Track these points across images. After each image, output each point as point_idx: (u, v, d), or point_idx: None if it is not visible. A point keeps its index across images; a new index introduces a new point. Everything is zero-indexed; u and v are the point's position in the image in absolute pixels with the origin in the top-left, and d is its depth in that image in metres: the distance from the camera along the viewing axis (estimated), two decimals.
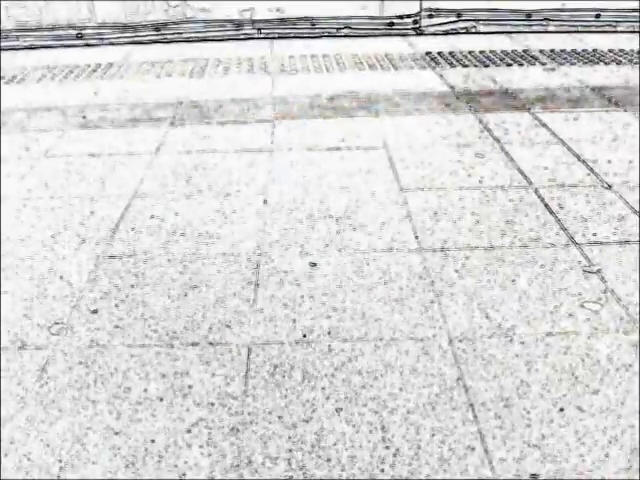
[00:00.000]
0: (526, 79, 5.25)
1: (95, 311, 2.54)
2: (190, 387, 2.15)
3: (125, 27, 6.83)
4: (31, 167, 3.85)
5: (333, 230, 3.07)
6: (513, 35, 6.71)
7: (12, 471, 1.85)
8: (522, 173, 3.59)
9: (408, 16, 6.88)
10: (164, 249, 2.96)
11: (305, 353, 2.29)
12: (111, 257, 2.91)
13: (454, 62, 5.80)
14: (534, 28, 6.81)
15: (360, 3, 6.76)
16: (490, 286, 2.63)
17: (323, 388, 2.12)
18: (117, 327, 2.44)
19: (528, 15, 6.77)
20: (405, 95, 4.96)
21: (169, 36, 6.87)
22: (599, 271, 2.70)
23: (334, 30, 6.88)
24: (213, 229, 3.12)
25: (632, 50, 6.01)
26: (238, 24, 6.89)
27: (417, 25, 6.91)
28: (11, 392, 2.14)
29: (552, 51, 6.08)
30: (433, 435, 1.93)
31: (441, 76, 5.40)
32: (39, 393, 2.13)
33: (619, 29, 6.73)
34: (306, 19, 6.84)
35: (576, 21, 6.76)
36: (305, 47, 6.48)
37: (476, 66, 5.65)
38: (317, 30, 6.88)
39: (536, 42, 6.42)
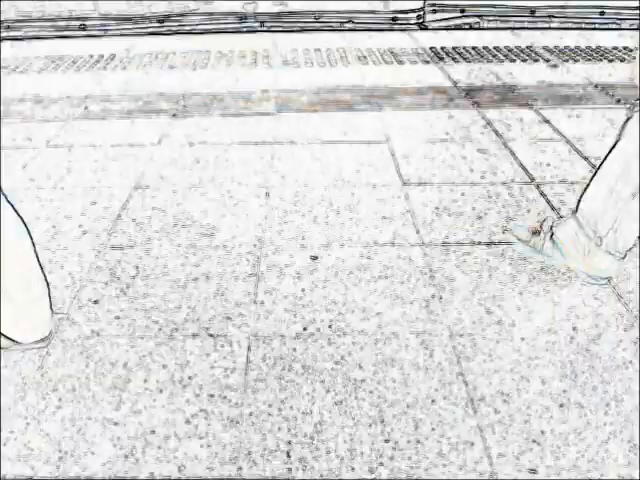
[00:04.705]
0: (529, 75, 5.24)
1: (96, 301, 2.54)
2: (190, 378, 2.15)
3: (128, 19, 6.82)
4: (32, 157, 3.85)
5: (334, 223, 3.07)
6: (517, 31, 6.69)
7: (12, 460, 1.85)
8: (524, 169, 3.58)
9: (412, 11, 6.87)
10: (165, 240, 2.96)
11: (305, 346, 2.28)
12: (112, 247, 2.90)
13: (458, 57, 5.79)
14: (538, 24, 6.79)
15: None
16: (491, 281, 2.63)
17: (322, 381, 2.12)
18: (117, 318, 2.44)
19: (532, 11, 6.75)
20: (408, 90, 4.95)
21: (172, 28, 6.86)
22: None
23: (338, 24, 6.86)
24: (214, 221, 3.11)
25: (636, 47, 5.99)
26: (241, 17, 6.87)
27: (421, 20, 6.89)
28: (10, 381, 2.14)
29: (556, 47, 6.06)
30: (433, 429, 1.93)
31: (444, 71, 5.39)
32: (39, 383, 2.13)
33: (624, 26, 6.71)
34: (310, 13, 6.83)
35: (580, 18, 6.74)
36: (308, 41, 6.47)
37: (479, 62, 5.63)
38: (321, 24, 6.86)
39: (540, 38, 6.40)
